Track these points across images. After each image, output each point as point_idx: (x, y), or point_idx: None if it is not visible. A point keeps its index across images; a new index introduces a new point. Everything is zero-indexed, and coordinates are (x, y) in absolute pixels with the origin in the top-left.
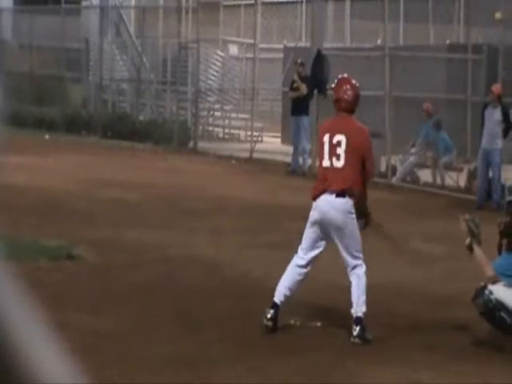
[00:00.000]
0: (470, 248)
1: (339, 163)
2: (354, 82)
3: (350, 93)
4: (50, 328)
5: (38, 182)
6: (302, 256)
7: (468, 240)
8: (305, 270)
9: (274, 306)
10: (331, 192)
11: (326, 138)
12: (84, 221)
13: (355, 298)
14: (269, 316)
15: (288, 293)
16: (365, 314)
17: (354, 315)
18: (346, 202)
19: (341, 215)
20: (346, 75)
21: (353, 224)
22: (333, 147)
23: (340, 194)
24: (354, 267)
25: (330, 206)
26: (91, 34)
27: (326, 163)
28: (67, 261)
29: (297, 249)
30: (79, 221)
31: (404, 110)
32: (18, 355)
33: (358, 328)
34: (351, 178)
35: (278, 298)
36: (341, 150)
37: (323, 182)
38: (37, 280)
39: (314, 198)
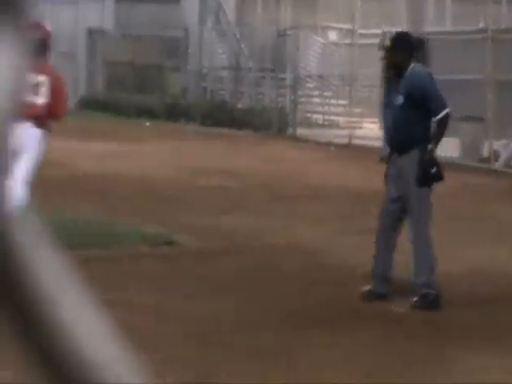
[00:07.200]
0: None
1: None
2: None
3: None
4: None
5: (139, 169)
6: None
7: None
8: None
9: None
10: None
11: None
12: (183, 208)
13: None
14: None
15: None
16: None
17: None
18: None
19: None
20: None
21: None
22: None
23: None
24: None
25: None
26: (191, 22)
27: None
28: (166, 247)
29: None
30: (178, 208)
31: (507, 93)
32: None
33: None
34: None
35: None
36: None
37: None
38: (136, 266)
39: None
